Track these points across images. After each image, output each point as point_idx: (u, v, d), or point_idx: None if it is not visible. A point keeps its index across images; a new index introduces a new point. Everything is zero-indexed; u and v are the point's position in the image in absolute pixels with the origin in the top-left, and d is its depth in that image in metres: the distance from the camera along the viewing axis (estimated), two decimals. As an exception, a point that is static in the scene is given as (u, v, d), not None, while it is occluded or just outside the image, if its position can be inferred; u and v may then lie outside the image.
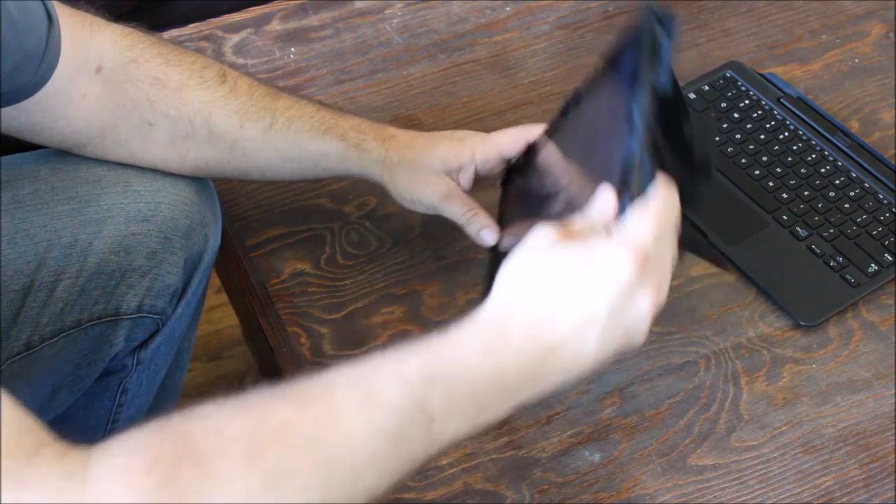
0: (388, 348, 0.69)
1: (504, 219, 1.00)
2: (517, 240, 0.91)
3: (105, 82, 0.94)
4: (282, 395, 0.66)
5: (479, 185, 1.00)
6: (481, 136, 1.00)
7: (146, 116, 0.95)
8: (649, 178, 0.73)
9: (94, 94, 0.93)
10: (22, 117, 0.92)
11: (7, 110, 0.90)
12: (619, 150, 0.76)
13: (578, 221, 0.74)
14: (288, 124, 0.98)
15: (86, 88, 0.93)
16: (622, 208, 0.73)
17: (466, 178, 0.99)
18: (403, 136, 1.00)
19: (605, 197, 0.75)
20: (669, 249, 0.74)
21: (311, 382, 0.67)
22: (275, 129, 0.97)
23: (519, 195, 1.00)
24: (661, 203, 0.73)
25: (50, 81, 0.90)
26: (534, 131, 0.97)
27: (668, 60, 0.74)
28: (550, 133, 0.95)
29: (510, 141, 0.98)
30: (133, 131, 0.96)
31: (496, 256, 0.96)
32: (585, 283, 0.71)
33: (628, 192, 0.73)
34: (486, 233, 0.98)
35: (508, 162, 0.99)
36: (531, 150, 0.97)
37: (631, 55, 0.76)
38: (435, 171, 0.98)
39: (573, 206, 0.89)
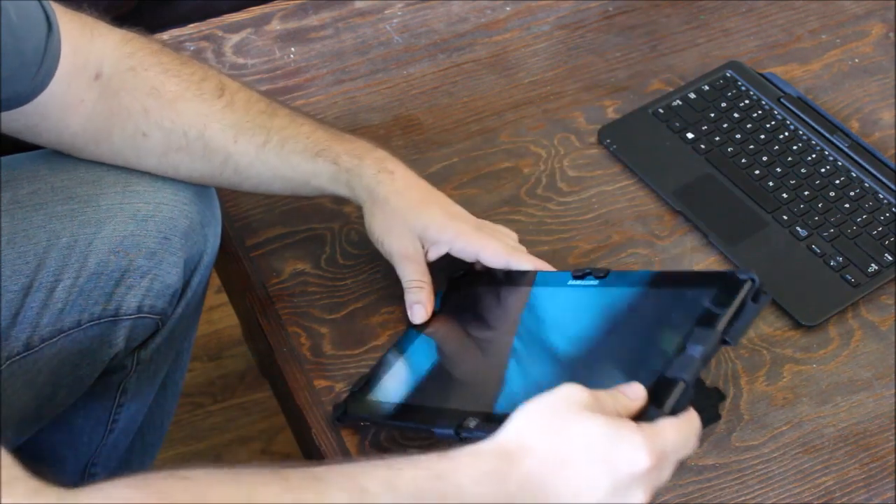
0: (385, 456, 0.71)
1: (441, 306, 1.00)
2: (436, 334, 0.96)
3: (102, 89, 0.93)
4: (274, 475, 0.67)
5: (444, 261, 0.99)
6: (472, 228, 0.99)
7: (141, 126, 0.95)
8: (681, 408, 0.76)
9: (91, 100, 0.93)
10: (21, 119, 0.92)
11: (5, 113, 0.90)
12: (642, 363, 0.81)
13: (609, 398, 0.76)
14: (281, 143, 0.97)
15: (84, 94, 0.93)
16: (648, 413, 0.76)
17: (435, 253, 0.99)
18: (402, 176, 0.99)
19: (640, 391, 0.77)
20: (671, 471, 0.76)
21: (303, 472, 0.68)
22: (269, 146, 0.97)
23: (464, 296, 1.00)
24: (686, 430, 0.76)
25: (48, 87, 0.90)
26: (521, 262, 0.97)
27: (747, 330, 0.80)
28: (533, 280, 0.96)
29: (494, 255, 0.97)
30: (127, 140, 0.96)
31: (412, 331, 0.99)
32: (602, 459, 0.72)
33: (655, 406, 0.76)
34: (419, 310, 0.98)
35: (478, 265, 0.99)
36: (509, 277, 0.97)
37: (713, 300, 0.81)
38: (411, 229, 0.98)
39: (489, 351, 0.95)
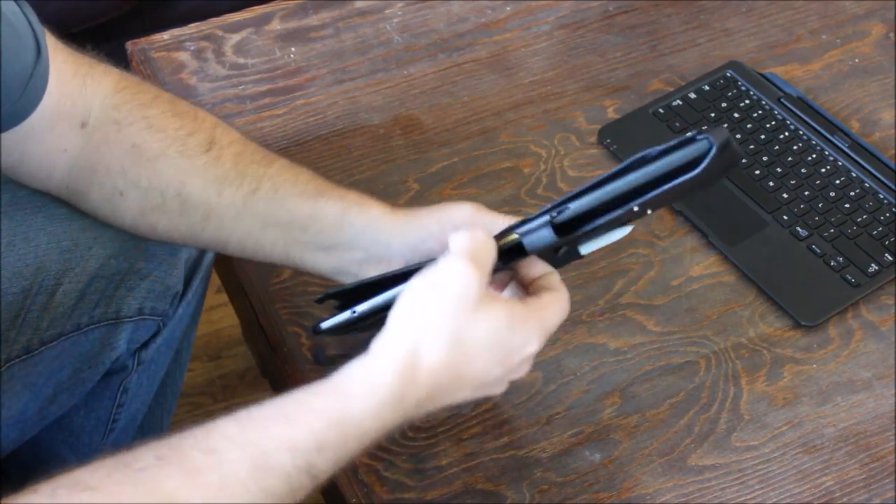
0: (275, 403, 0.71)
1: None
2: None
3: (87, 140, 0.89)
4: (169, 461, 0.67)
5: None
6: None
7: (118, 185, 0.90)
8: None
9: (75, 149, 0.89)
10: (3, 156, 0.88)
11: None
12: None
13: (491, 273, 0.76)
14: (275, 188, 0.89)
15: (67, 142, 0.88)
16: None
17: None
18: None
19: (541, 269, 0.79)
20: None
21: (196, 445, 0.68)
22: (259, 194, 0.89)
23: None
24: (566, 304, 0.79)
25: (29, 124, 0.85)
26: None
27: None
28: None
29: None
30: (104, 198, 0.91)
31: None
32: (497, 359, 0.75)
33: None
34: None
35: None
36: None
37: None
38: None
39: None
